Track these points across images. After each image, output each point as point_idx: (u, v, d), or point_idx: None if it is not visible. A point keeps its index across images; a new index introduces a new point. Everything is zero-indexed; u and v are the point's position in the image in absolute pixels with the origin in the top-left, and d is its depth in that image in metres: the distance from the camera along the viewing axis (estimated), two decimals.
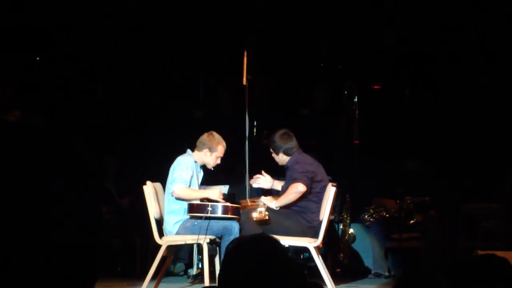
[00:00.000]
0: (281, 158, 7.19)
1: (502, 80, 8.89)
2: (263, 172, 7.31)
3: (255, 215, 6.77)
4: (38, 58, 9.45)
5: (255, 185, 7.39)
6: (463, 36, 9.01)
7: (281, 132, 7.22)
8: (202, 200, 7.03)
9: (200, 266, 7.86)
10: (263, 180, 7.28)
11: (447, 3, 8.98)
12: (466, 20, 8.91)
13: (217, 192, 7.02)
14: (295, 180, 6.94)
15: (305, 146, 7.43)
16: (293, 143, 7.17)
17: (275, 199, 7.04)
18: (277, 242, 2.53)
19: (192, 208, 6.90)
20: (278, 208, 6.96)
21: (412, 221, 8.33)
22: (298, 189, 6.91)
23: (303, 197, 6.97)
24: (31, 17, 9.01)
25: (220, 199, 6.98)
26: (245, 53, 7.95)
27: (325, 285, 6.81)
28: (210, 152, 7.16)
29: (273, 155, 7.23)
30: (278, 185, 7.32)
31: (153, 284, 7.07)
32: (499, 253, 3.03)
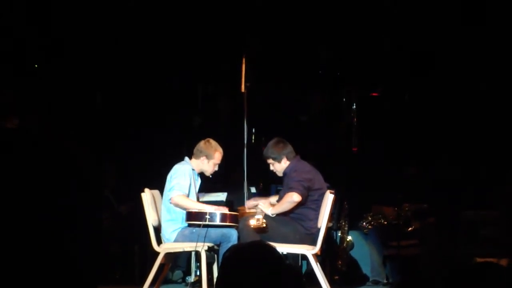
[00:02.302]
0: (284, 165, 7.16)
1: (502, 86, 8.89)
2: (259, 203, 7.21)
3: (252, 222, 6.76)
4: (36, 66, 9.45)
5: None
6: (462, 41, 9.01)
7: (273, 142, 7.22)
8: None
9: (198, 273, 7.86)
10: (262, 207, 7.16)
11: (446, 9, 8.98)
12: (465, 24, 8.92)
13: (213, 207, 7.02)
14: (291, 189, 6.93)
15: (304, 153, 7.42)
16: (290, 147, 7.18)
17: (272, 206, 7.05)
18: (273, 249, 2.52)
19: (190, 216, 6.89)
20: (274, 215, 6.96)
21: (410, 229, 8.33)
22: (292, 198, 6.90)
23: (301, 204, 6.96)
24: (30, 22, 9.02)
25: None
26: (244, 60, 7.94)
27: None
28: (208, 159, 7.17)
29: (274, 166, 7.19)
30: (273, 199, 7.31)
31: None
32: (497, 261, 3.03)
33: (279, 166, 7.18)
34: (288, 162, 7.15)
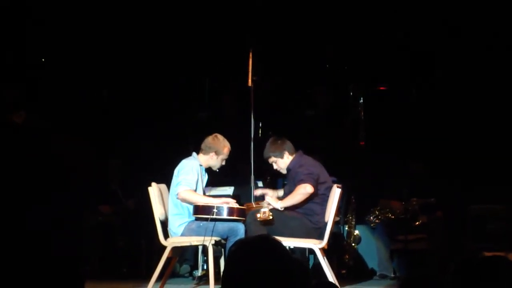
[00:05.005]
0: (287, 160, 7.15)
1: (509, 80, 8.86)
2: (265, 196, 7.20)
3: (258, 215, 6.76)
4: (43, 60, 9.46)
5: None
6: (470, 37, 8.98)
7: (270, 141, 7.23)
8: None
9: (205, 267, 7.86)
10: (270, 201, 7.14)
11: (454, 4, 8.96)
12: (472, 20, 8.89)
13: (220, 200, 7.01)
14: (302, 181, 6.90)
15: (311, 147, 7.40)
16: (289, 143, 7.19)
17: (280, 200, 7.03)
18: (279, 243, 2.51)
19: (197, 209, 6.89)
20: (282, 209, 6.94)
21: (417, 223, 8.32)
22: (306, 190, 6.88)
23: (308, 199, 6.95)
24: (35, 19, 9.02)
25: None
26: (251, 54, 7.92)
27: None
28: (217, 155, 7.16)
29: (277, 163, 7.18)
30: (281, 192, 7.30)
31: (158, 286, 7.07)
32: (505, 255, 3.02)
33: (282, 162, 7.17)
34: (290, 157, 7.14)
